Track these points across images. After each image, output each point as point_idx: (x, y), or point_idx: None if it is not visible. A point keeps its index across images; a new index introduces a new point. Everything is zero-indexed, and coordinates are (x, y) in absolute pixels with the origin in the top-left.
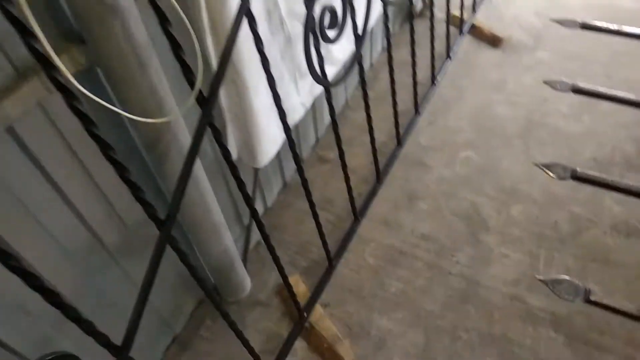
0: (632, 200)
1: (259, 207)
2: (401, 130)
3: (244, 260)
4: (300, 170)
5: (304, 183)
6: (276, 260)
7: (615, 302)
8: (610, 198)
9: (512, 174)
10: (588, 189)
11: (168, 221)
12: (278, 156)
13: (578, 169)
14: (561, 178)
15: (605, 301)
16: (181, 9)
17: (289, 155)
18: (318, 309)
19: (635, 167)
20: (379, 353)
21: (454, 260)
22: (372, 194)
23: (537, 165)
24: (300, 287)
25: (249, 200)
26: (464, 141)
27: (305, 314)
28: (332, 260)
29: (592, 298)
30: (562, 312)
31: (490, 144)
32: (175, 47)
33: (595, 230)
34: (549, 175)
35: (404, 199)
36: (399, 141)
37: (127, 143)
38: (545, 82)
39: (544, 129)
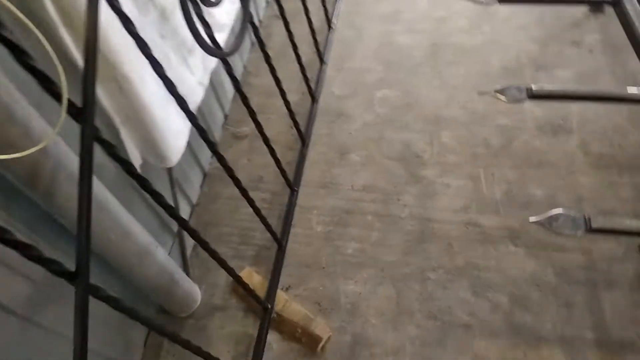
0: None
1: (185, 207)
2: (312, 85)
3: (186, 269)
4: (218, 155)
5: (226, 168)
6: (220, 261)
7: (557, 202)
8: (528, 102)
9: (431, 101)
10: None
11: (80, 274)
12: (189, 147)
13: (533, 87)
14: (517, 101)
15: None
16: (15, 3)
17: (201, 142)
18: (281, 295)
19: (543, 66)
20: (354, 320)
21: (401, 204)
22: (301, 159)
23: (490, 94)
24: (255, 279)
25: (172, 211)
26: (376, 80)
27: (268, 305)
28: (280, 241)
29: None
30: (515, 226)
31: (402, 77)
32: (18, 53)
33: (524, 136)
34: (502, 100)
35: (334, 155)
36: (313, 97)
37: (3, 190)
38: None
39: (449, 49)
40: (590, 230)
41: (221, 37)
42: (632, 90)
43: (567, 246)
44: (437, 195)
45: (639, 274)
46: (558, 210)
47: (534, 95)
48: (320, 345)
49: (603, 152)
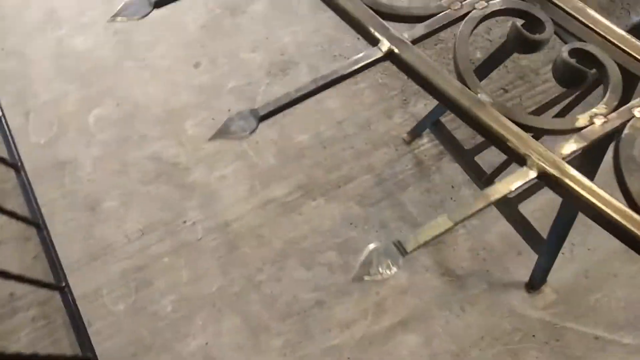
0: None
1: None
2: (7, 150)
3: None
4: None
5: None
6: None
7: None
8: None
9: (152, 98)
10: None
11: None
12: None
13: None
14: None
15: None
16: None
17: None
18: None
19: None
20: None
21: (190, 226)
22: (47, 245)
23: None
24: None
25: None
26: (78, 103)
27: None
28: (87, 357)
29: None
30: (303, 180)
31: (105, 84)
32: None
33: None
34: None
35: (85, 214)
36: (13, 165)
37: None
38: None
39: (139, 31)
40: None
41: None
42: None
43: (352, 175)
44: (219, 193)
45: (415, 164)
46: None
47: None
48: None
49: None
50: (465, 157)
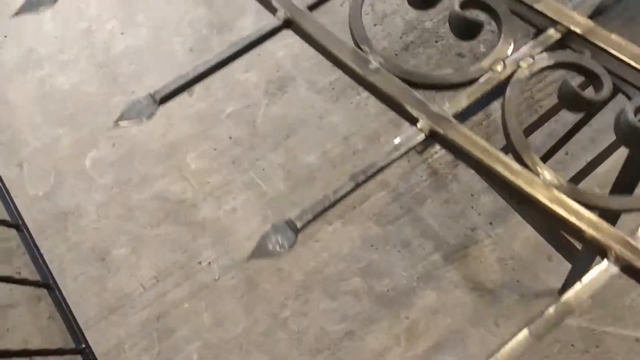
0: None
1: None
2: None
3: None
4: None
5: None
6: None
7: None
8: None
9: (147, 134)
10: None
11: None
12: None
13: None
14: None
15: None
16: None
17: None
18: None
19: None
20: None
21: (206, 266)
22: (62, 307)
23: None
24: None
25: None
26: (69, 147)
27: None
28: None
29: None
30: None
31: (92, 122)
32: None
33: (261, 109)
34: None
35: (95, 266)
36: (15, 226)
37: None
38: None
39: (123, 59)
40: None
41: None
42: None
43: (367, 193)
44: (231, 228)
45: (430, 174)
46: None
47: None
48: None
49: None
50: None
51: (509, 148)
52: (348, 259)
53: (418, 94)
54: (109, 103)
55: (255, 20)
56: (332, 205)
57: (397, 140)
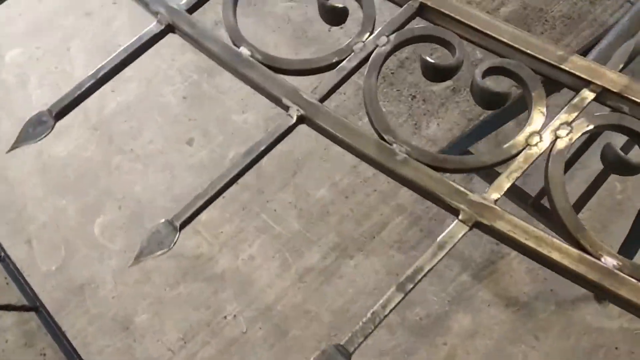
0: None
1: None
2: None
3: None
4: None
5: None
6: None
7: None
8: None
9: (152, 191)
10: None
11: None
12: None
13: None
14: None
15: None
16: None
17: None
18: None
19: None
20: None
21: (231, 320)
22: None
23: None
24: None
25: None
26: (77, 215)
27: None
28: None
29: None
30: (336, 240)
31: (103, 187)
32: None
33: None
34: None
35: (120, 337)
36: (33, 308)
37: None
38: None
39: (118, 121)
40: None
41: None
42: None
43: (384, 220)
44: (251, 277)
45: None
46: None
47: None
48: None
49: None
50: None
51: (560, 229)
52: (375, 292)
53: (455, 182)
54: (109, 165)
55: None
56: (382, 321)
57: (440, 238)
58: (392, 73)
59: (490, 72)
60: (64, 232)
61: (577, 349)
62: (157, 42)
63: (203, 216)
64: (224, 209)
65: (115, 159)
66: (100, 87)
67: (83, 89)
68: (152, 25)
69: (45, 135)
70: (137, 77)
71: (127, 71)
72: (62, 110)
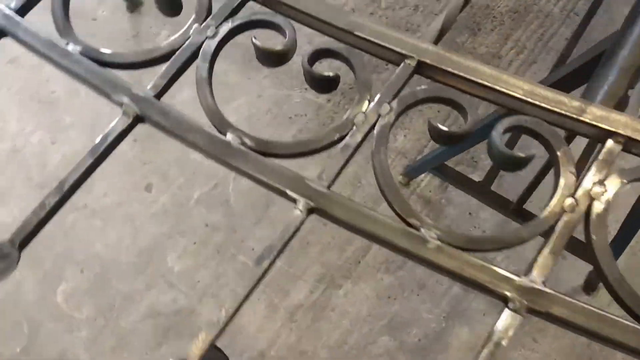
0: None
1: None
2: None
3: None
4: None
5: None
6: None
7: None
8: None
9: (115, 248)
10: None
11: None
12: None
13: None
14: None
15: None
16: None
17: None
18: None
19: None
20: None
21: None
22: None
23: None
24: None
25: None
26: (35, 295)
27: None
28: None
29: None
30: (335, 266)
31: (48, 258)
32: None
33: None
34: None
35: None
36: None
37: None
38: None
39: None
40: None
41: None
42: None
43: (367, 243)
44: (239, 323)
45: (424, 204)
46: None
47: None
48: None
49: None
50: (480, 190)
51: (620, 304)
52: (369, 319)
53: (496, 266)
54: (63, 225)
55: (193, 90)
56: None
57: (496, 336)
58: (351, 88)
59: (509, 130)
60: (23, 307)
61: (575, 345)
62: (124, 138)
63: (175, 267)
64: (197, 255)
65: (69, 218)
66: (66, 202)
67: (48, 208)
68: (116, 120)
69: (10, 273)
70: (78, 124)
71: (66, 119)
72: (27, 237)
